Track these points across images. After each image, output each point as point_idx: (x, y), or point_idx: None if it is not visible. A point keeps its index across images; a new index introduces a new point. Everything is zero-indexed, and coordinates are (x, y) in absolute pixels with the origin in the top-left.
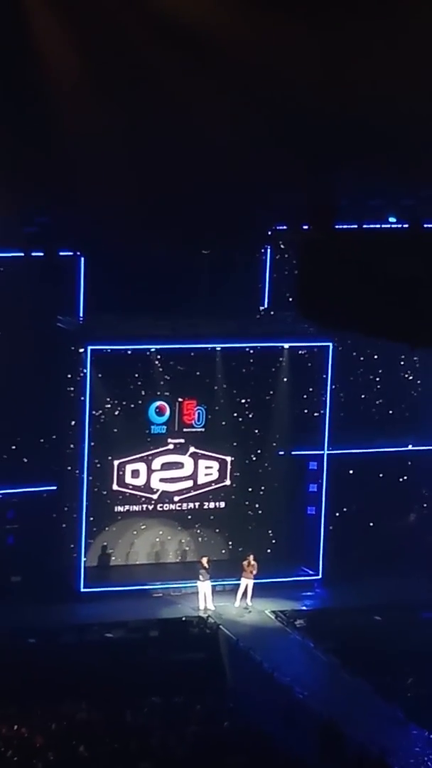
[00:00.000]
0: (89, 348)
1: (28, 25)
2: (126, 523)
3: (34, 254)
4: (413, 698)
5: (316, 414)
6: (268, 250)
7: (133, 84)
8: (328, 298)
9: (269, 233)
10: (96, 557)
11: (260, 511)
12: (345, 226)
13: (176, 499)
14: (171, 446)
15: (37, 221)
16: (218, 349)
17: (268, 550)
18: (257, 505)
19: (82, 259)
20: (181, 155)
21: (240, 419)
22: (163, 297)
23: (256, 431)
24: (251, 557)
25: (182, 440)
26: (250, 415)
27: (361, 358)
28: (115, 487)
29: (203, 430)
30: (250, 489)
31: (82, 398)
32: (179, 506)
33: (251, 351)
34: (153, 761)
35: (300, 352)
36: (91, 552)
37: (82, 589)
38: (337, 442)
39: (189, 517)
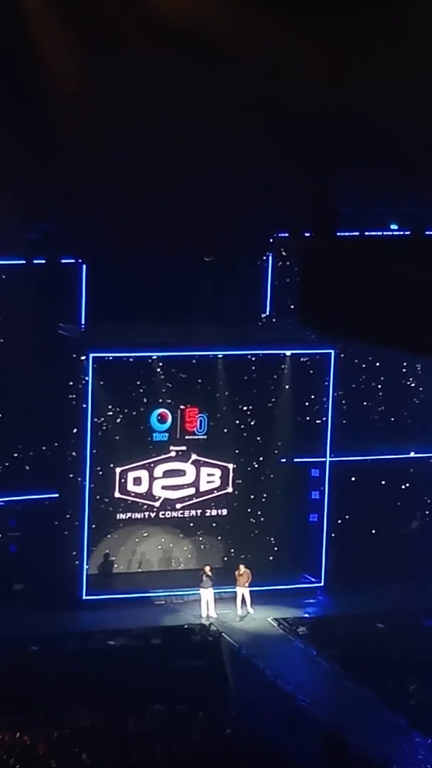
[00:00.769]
0: (91, 355)
1: (29, 32)
2: (128, 531)
3: (36, 261)
4: (416, 705)
5: (318, 421)
6: (270, 258)
7: (134, 90)
8: (330, 305)
9: (271, 240)
10: (98, 565)
11: (262, 519)
12: (347, 234)
13: (178, 506)
14: (173, 453)
15: (39, 228)
16: (220, 356)
17: (270, 558)
18: (259, 513)
19: (84, 266)
20: (183, 162)
21: (242, 426)
22: (164, 304)
23: (258, 438)
24: (242, 566)
25: (184, 447)
26: (252, 423)
27: (363, 366)
28: (117, 494)
29: (205, 437)
30: (252, 496)
31: (84, 406)
32: (181, 514)
33: (253, 358)
34: None
35: (302, 359)
36: (93, 560)
37: (85, 597)
38: (339, 449)
39: (191, 524)
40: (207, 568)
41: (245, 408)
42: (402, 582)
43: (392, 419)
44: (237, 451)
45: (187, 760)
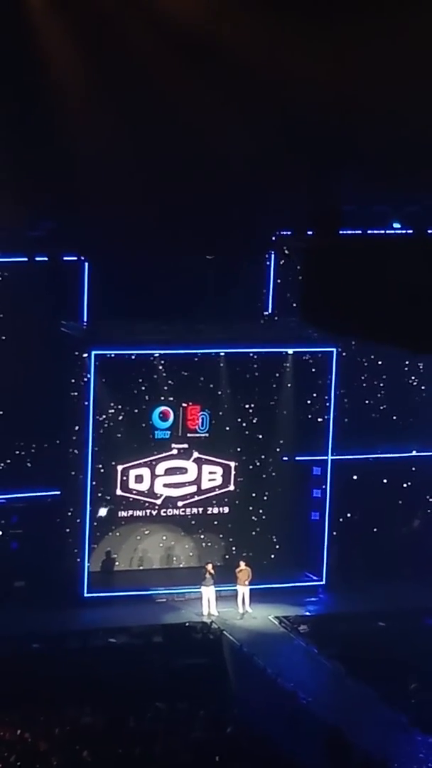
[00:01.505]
0: (93, 353)
1: (32, 31)
2: (130, 529)
3: (38, 259)
4: (417, 704)
5: (320, 419)
6: (273, 256)
7: (136, 88)
8: (332, 303)
9: (273, 239)
10: (100, 562)
11: (264, 517)
12: (349, 232)
13: (180, 504)
14: (175, 451)
15: (42, 226)
16: (222, 354)
17: (272, 556)
18: (261, 511)
19: (87, 263)
20: (186, 160)
21: (244, 424)
22: (167, 302)
23: (260, 436)
24: (242, 563)
25: (186, 445)
26: (254, 421)
27: (365, 364)
28: (118, 492)
29: (207, 435)
30: (253, 494)
31: (86, 403)
32: (183, 511)
33: (255, 356)
34: (157, 767)
35: (304, 357)
36: (94, 557)
37: (86, 595)
38: (340, 447)
39: (193, 522)
40: (209, 566)
41: (247, 406)
42: (403, 580)
43: (394, 417)
44: (239, 449)
45: (188, 758)
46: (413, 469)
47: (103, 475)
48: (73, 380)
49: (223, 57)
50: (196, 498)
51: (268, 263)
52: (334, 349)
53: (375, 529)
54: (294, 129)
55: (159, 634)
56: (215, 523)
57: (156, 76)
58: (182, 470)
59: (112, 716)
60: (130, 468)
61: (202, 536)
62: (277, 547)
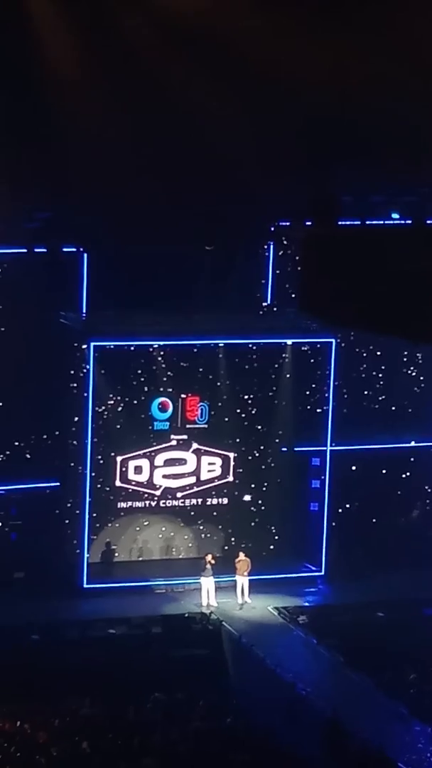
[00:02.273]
0: (92, 344)
1: (28, 19)
2: (129, 520)
3: (36, 250)
4: (416, 694)
5: (318, 410)
6: (271, 246)
7: (135, 77)
8: (330, 294)
9: (272, 229)
10: (99, 553)
11: (263, 508)
12: (348, 223)
13: (179, 495)
14: (174, 442)
15: (40, 217)
16: (221, 345)
17: (271, 547)
18: (260, 501)
19: (85, 255)
20: (184, 150)
21: (243, 415)
22: (165, 293)
23: (259, 427)
24: (241, 554)
25: (185, 436)
26: (253, 411)
27: (364, 354)
28: (118, 483)
29: (206, 426)
30: (252, 485)
31: (85, 394)
32: (182, 502)
33: (254, 347)
34: (156, 757)
35: (303, 348)
36: (94, 548)
37: (85, 586)
38: (339, 438)
39: (192, 513)
40: (209, 557)
41: (246, 397)
42: (402, 571)
43: (393, 408)
44: (238, 440)
45: (188, 748)
46: (412, 459)
47: (102, 467)
48: (72, 371)
49: (222, 46)
50: (196, 489)
51: (266, 254)
52: (333, 340)
53: (374, 520)
54: (293, 119)
55: (158, 625)
56: (214, 514)
57: (153, 65)
58: (181, 461)
59: (111, 707)
60: (129, 459)
61: (201, 527)
62: (276, 537)
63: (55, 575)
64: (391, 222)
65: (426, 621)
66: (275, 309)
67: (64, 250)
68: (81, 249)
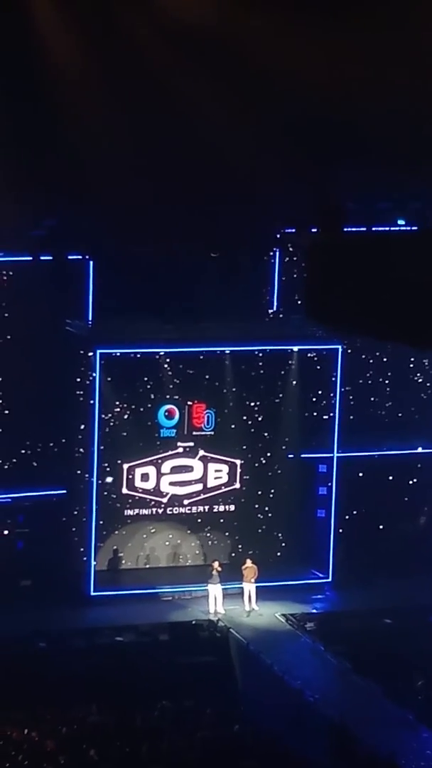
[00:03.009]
0: (98, 351)
1: (34, 25)
2: (136, 527)
3: (42, 258)
4: (424, 701)
5: (325, 417)
6: (277, 253)
7: (140, 86)
8: (337, 300)
9: (278, 236)
10: (106, 561)
11: (270, 514)
12: (354, 229)
13: (186, 502)
14: (180, 450)
15: (46, 225)
16: (227, 352)
17: (278, 553)
18: (267, 508)
19: (91, 262)
20: (190, 158)
21: (249, 422)
22: (171, 300)
23: (266, 434)
24: (248, 560)
25: (192, 443)
26: (260, 418)
27: (371, 361)
28: (124, 490)
29: (213, 433)
30: (259, 492)
31: (92, 402)
32: (189, 510)
33: (260, 354)
34: (164, 765)
35: (309, 354)
36: (101, 556)
37: (92, 593)
38: (346, 444)
39: (199, 520)
40: (216, 564)
41: (252, 404)
42: (410, 577)
43: (399, 415)
44: (244, 447)
45: (195, 755)
46: (419, 466)
47: (108, 474)
48: (78, 379)
49: (227, 52)
50: (202, 496)
51: (272, 261)
52: (340, 347)
53: (381, 526)
54: (298, 126)
55: (166, 632)
56: (221, 521)
57: (159, 72)
58: (188, 468)
59: (119, 714)
60: (136, 466)
61: (208, 534)
62: (283, 544)
63: (62, 583)
64: (397, 228)
65: None
66: (281, 316)
67: (70, 257)
68: (87, 256)
